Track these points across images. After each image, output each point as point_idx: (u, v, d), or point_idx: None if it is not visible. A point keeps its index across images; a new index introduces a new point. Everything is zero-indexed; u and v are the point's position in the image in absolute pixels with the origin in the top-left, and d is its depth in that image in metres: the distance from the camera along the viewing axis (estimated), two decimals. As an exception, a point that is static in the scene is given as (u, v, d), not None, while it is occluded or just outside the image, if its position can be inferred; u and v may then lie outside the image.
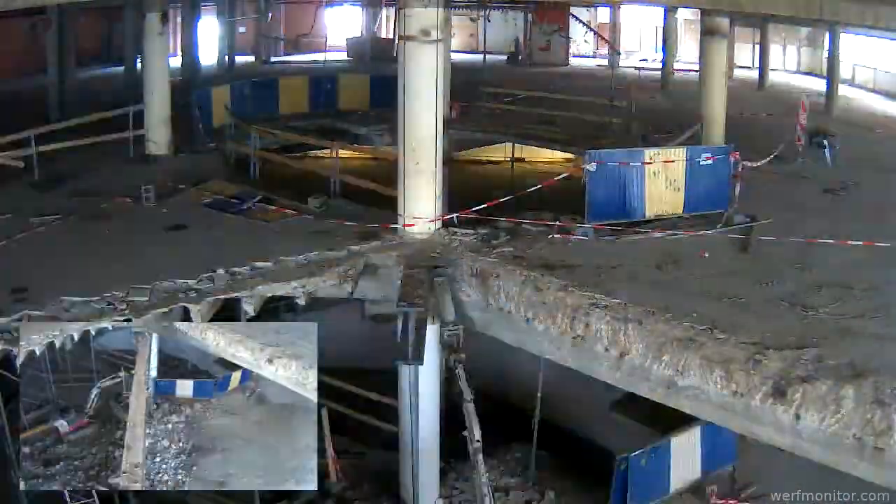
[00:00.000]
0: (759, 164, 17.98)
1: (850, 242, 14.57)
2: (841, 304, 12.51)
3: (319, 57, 36.94)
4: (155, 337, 11.04)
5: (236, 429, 10.85)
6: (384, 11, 42.27)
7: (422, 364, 12.42)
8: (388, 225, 15.40)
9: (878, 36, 30.72)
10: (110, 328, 11.62)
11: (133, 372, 10.88)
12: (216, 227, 15.95)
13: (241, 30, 37.78)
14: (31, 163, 18.32)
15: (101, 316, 11.95)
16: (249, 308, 13.19)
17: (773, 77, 34.26)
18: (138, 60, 27.02)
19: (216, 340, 11.13)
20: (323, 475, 14.54)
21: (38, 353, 10.77)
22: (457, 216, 15.54)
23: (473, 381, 12.52)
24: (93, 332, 11.27)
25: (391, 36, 39.59)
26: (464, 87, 25.62)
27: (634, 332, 11.96)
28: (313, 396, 11.04)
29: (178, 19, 32.77)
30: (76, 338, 11.08)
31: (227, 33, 35.45)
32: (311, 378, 10.99)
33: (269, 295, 13.46)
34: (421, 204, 15.11)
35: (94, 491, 11.34)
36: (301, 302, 13.82)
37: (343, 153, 19.74)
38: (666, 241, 15.18)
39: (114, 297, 12.32)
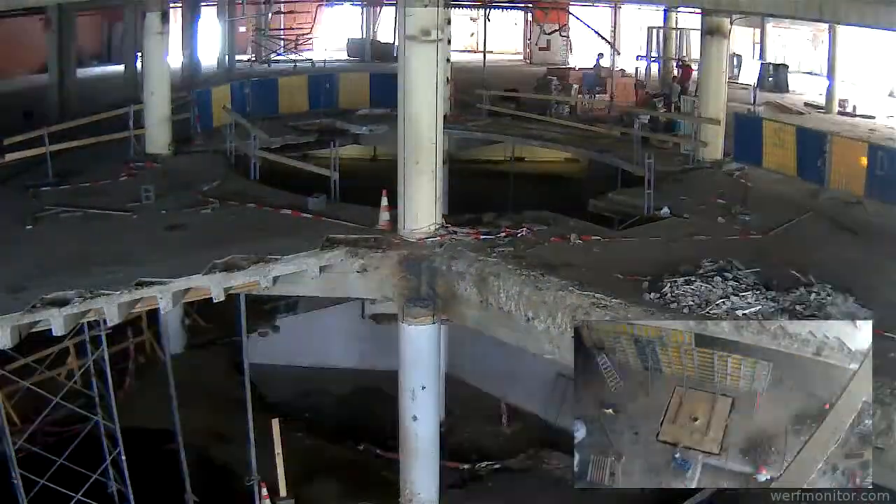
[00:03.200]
0: None
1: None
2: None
3: (319, 56, 36.93)
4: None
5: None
6: (384, 11, 42.21)
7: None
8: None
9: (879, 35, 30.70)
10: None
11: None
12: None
13: (242, 29, 37.72)
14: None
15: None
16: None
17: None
18: (138, 60, 27.00)
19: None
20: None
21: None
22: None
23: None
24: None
25: (391, 36, 39.55)
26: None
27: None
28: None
29: (179, 19, 32.73)
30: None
31: (226, 33, 35.42)
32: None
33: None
34: (421, 204, 15.11)
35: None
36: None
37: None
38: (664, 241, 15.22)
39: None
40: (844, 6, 14.41)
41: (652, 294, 12.54)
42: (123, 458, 13.16)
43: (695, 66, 25.35)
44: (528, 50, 40.11)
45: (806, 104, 29.52)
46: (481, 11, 34.15)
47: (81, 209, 16.47)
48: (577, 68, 33.06)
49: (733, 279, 12.72)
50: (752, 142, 20.41)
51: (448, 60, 24.47)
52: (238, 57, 35.33)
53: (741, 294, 12.29)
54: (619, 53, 32.60)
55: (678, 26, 33.62)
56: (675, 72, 29.92)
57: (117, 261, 13.60)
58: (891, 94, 30.43)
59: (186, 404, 14.62)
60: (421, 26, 14.54)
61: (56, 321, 11.97)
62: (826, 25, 30.05)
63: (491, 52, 31.67)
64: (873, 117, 27.37)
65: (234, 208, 16.74)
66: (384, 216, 15.48)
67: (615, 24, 36.29)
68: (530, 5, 37.13)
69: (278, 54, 37.71)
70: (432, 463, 14.63)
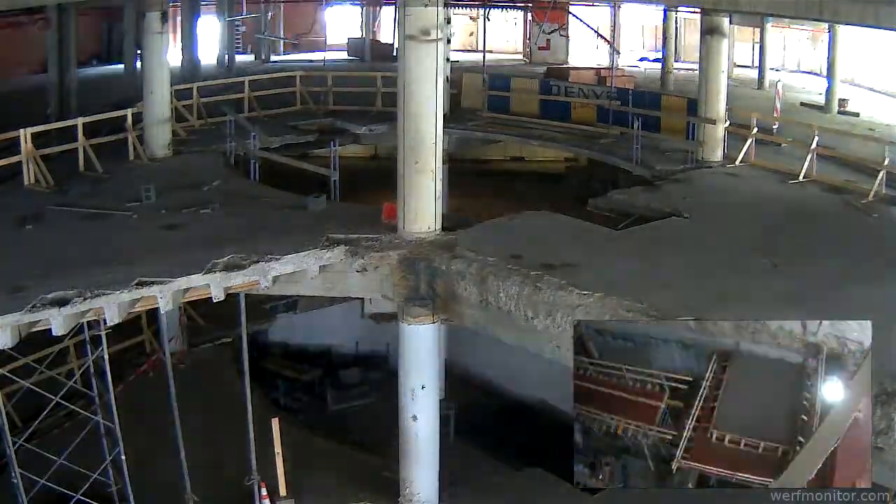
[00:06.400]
0: None
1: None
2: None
3: (319, 56, 36.96)
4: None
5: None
6: (384, 11, 42.26)
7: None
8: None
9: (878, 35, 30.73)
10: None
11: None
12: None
13: (242, 29, 37.76)
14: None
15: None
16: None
17: (773, 76, 34.28)
18: (138, 60, 27.01)
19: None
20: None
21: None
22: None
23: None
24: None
25: (391, 36, 39.58)
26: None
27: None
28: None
29: (178, 18, 32.76)
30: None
31: (226, 33, 35.48)
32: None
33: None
34: (421, 203, 15.10)
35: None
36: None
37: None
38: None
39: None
40: (844, 6, 14.42)
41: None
42: (123, 457, 13.16)
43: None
44: (527, 49, 40.15)
45: (802, 104, 29.59)
46: (481, 11, 34.19)
47: (81, 209, 16.49)
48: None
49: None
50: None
51: (448, 60, 24.52)
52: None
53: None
54: (618, 53, 32.60)
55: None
56: None
57: (117, 261, 13.59)
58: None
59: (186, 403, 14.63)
60: (421, 26, 14.54)
61: (56, 321, 11.98)
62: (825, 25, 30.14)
63: (490, 51, 31.72)
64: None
65: (234, 208, 16.73)
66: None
67: (615, 23, 36.31)
68: (530, 5, 37.17)
69: (278, 53, 37.80)
70: (432, 462, 14.65)
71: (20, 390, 13.66)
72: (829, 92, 29.04)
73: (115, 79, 30.92)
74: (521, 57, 40.83)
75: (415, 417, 14.39)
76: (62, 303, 12.03)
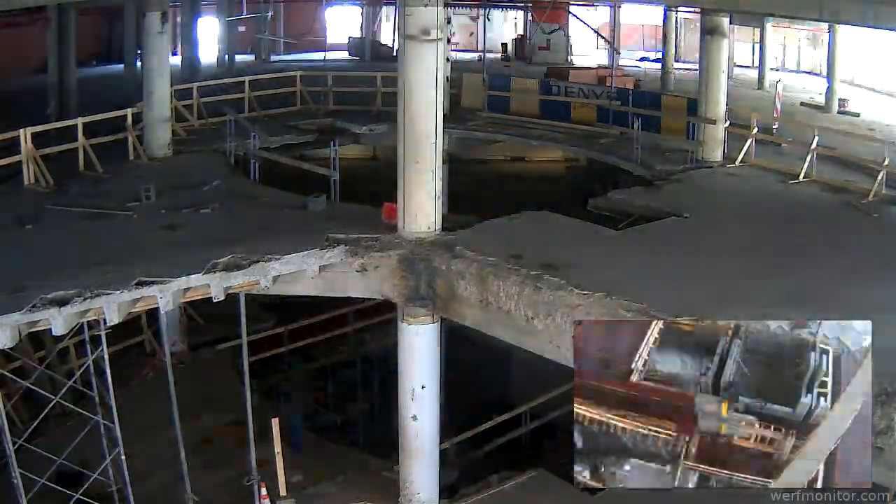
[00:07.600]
0: None
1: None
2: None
3: (319, 56, 36.96)
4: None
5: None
6: (384, 10, 42.25)
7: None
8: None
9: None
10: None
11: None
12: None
13: (241, 29, 37.78)
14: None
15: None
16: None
17: (773, 76, 34.30)
18: (139, 60, 27.03)
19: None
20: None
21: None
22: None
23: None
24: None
25: (391, 35, 39.59)
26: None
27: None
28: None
29: (178, 18, 32.78)
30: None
31: (226, 32, 35.47)
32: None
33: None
34: (421, 203, 15.09)
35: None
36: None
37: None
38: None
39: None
40: (844, 6, 14.43)
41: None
42: (123, 457, 13.16)
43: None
44: (528, 49, 40.17)
45: (802, 104, 29.61)
46: (481, 11, 34.23)
47: (81, 209, 16.49)
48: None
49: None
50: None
51: (448, 60, 24.52)
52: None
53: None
54: (618, 53, 32.60)
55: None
56: None
57: (117, 261, 13.58)
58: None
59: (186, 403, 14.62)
60: (421, 26, 14.53)
61: (56, 321, 11.97)
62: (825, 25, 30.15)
63: (490, 51, 31.73)
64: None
65: (234, 208, 16.73)
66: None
67: (615, 23, 36.34)
68: (529, 5, 37.18)
69: (278, 53, 37.76)
70: (432, 463, 14.65)
71: (20, 390, 13.66)
72: (829, 92, 29.06)
73: (116, 79, 30.92)
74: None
75: (415, 417, 14.40)
76: (62, 303, 12.02)
